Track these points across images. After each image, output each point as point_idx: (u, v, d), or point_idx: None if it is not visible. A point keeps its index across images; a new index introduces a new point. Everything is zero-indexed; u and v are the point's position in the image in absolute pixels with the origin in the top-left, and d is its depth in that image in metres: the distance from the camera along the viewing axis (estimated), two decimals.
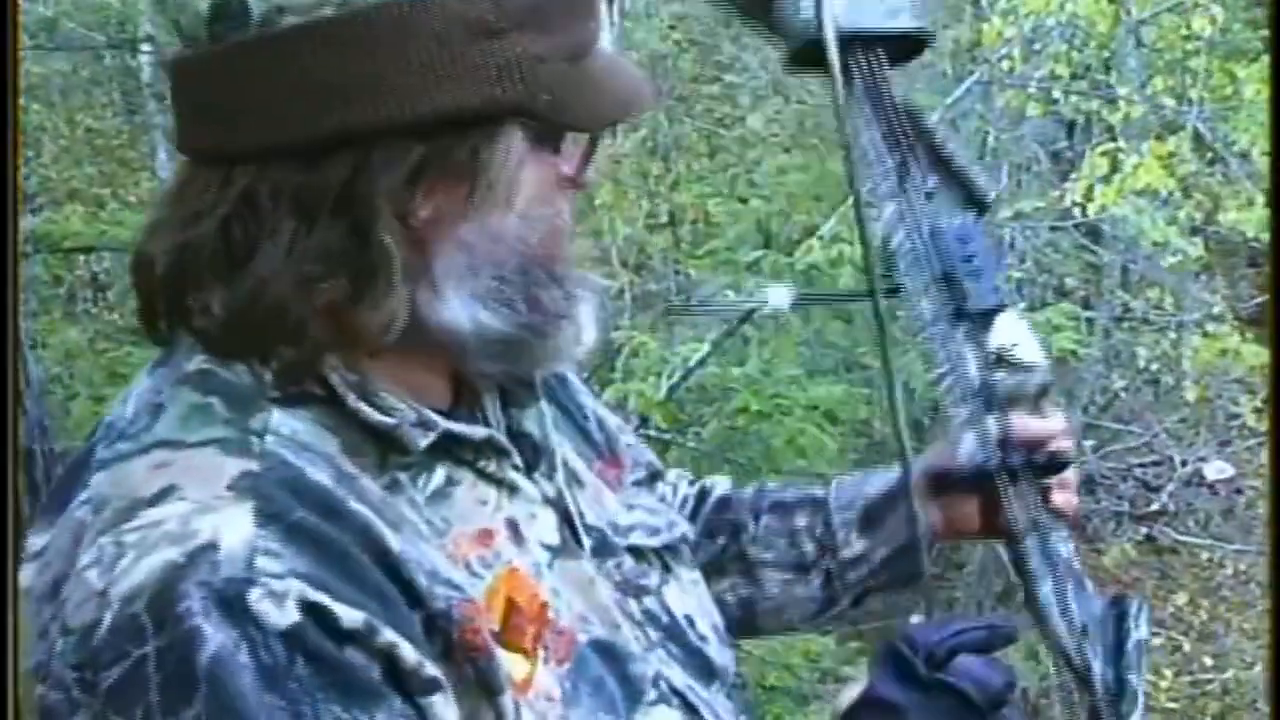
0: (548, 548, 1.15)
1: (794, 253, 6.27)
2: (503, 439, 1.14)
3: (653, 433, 6.03)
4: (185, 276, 1.04)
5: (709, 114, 9.14)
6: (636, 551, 1.25)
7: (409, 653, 0.97)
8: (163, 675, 0.90)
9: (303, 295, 1.01)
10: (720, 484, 1.53)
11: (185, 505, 0.96)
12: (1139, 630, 1.28)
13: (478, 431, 1.11)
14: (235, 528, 0.95)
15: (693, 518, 1.47)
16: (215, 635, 0.91)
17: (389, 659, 0.96)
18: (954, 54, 8.11)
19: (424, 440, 1.07)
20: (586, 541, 1.19)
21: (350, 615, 0.94)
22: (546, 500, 1.17)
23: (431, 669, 0.98)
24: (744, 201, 7.92)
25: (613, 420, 1.42)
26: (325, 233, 1.00)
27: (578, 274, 1.14)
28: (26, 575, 1.00)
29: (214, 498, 0.97)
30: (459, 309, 1.05)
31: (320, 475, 1.01)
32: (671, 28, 8.40)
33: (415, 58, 0.98)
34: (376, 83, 0.98)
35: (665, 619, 1.24)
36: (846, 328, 7.49)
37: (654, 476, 1.44)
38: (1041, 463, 1.30)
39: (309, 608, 0.93)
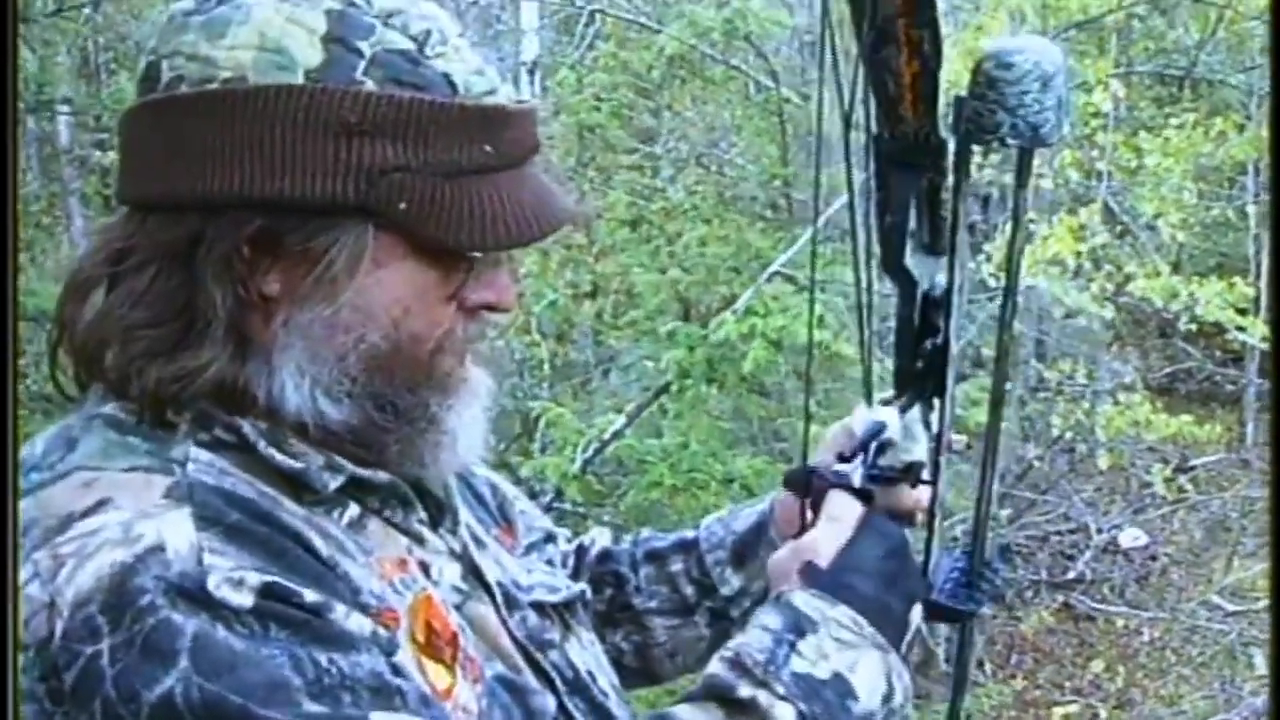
0: (458, 590, 1.18)
1: (708, 324, 6.33)
2: (406, 488, 1.16)
3: (568, 506, 6.02)
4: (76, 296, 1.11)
5: (631, 185, 9.21)
6: (538, 608, 1.27)
7: (364, 622, 1.02)
8: (119, 667, 0.92)
9: (129, 338, 1.06)
10: (599, 537, 1.55)
11: (123, 514, 0.98)
12: None
13: (380, 475, 1.13)
14: (178, 531, 0.97)
15: (575, 574, 1.48)
16: (188, 620, 0.93)
17: (348, 626, 1.01)
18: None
19: (333, 482, 1.09)
20: (496, 592, 1.22)
21: (310, 593, 0.99)
22: (452, 553, 1.20)
23: (385, 632, 1.03)
24: (663, 272, 7.97)
25: (506, 487, 1.43)
26: (165, 284, 1.05)
27: (461, 386, 1.15)
28: None
29: (152, 505, 0.99)
30: (291, 389, 1.08)
31: (247, 492, 1.04)
32: (599, 99, 8.48)
33: (270, 140, 1.02)
34: (230, 155, 1.02)
35: (569, 673, 1.25)
36: (763, 400, 7.54)
37: (548, 539, 1.46)
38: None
39: (267, 588, 0.97)
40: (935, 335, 1.30)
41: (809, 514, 1.29)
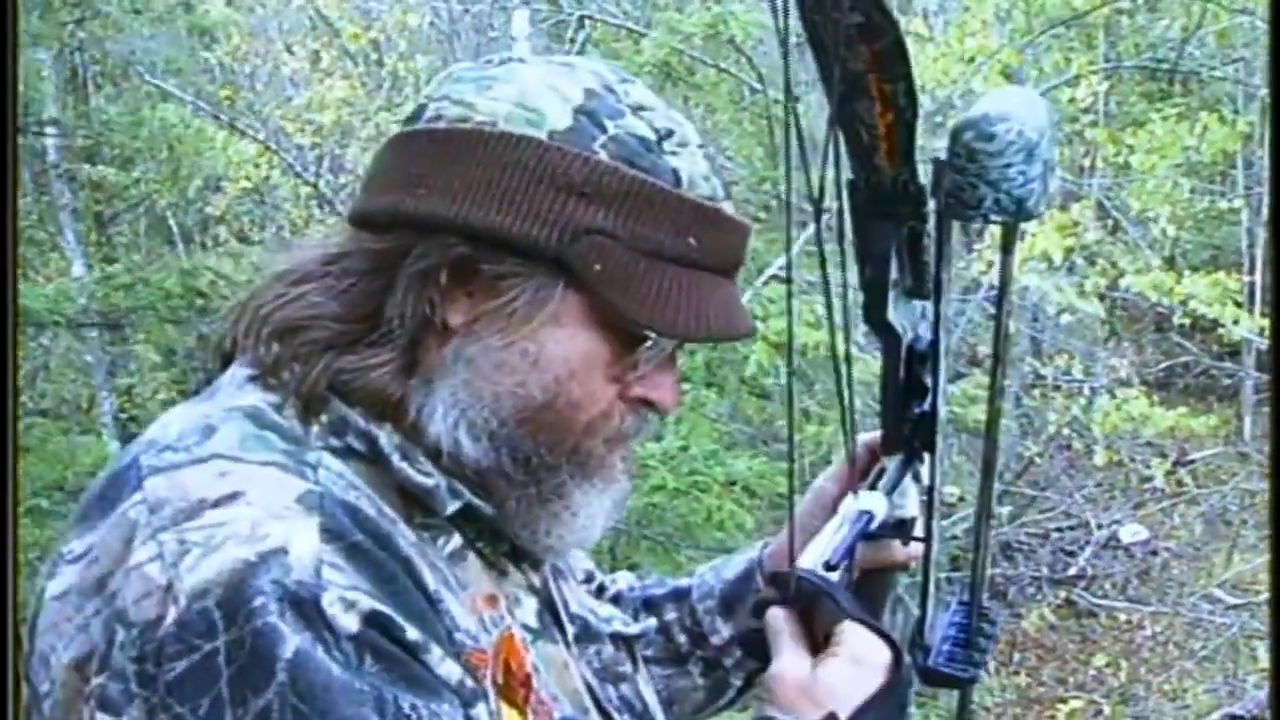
0: (528, 629, 1.19)
1: None
2: (501, 524, 1.17)
3: None
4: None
5: None
6: (614, 640, 1.31)
7: (454, 669, 1.03)
8: (235, 668, 0.93)
9: (314, 325, 1.11)
10: (620, 581, 1.54)
11: (254, 510, 0.99)
12: None
13: (489, 507, 1.15)
14: (303, 538, 0.99)
15: None
16: (292, 634, 0.94)
17: (439, 671, 1.02)
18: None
19: (452, 506, 1.12)
20: (570, 629, 1.24)
21: (411, 630, 1.00)
22: (531, 588, 1.22)
23: (471, 683, 1.05)
24: None
25: None
26: (364, 286, 1.11)
27: (600, 470, 1.16)
28: (66, 576, 1.01)
29: (283, 507, 1.00)
30: (439, 415, 1.10)
31: (370, 510, 1.06)
32: None
33: (498, 178, 1.08)
34: (459, 184, 1.08)
35: (639, 706, 1.29)
36: (761, 403, 7.54)
37: (587, 579, 1.47)
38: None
39: (374, 616, 0.98)
40: (923, 395, 1.26)
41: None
